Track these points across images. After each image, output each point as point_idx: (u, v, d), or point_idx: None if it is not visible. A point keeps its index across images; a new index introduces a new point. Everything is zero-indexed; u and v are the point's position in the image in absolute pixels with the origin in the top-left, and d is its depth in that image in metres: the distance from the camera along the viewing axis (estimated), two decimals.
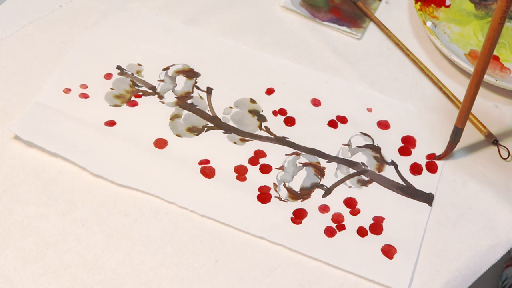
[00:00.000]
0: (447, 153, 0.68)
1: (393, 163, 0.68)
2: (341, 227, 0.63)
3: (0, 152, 0.66)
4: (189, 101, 0.71)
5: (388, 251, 0.62)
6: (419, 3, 0.79)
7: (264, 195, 0.65)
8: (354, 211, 0.64)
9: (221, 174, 0.66)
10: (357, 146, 0.69)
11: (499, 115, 0.73)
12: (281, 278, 0.60)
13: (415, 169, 0.68)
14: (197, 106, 0.71)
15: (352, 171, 0.67)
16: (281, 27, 0.79)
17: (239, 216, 0.63)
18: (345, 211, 0.64)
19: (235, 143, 0.68)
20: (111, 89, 0.71)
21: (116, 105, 0.70)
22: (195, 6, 0.80)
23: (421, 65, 0.76)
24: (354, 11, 0.81)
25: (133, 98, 0.71)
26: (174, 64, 0.74)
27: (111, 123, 0.69)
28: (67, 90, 0.71)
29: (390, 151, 0.69)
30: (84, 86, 0.71)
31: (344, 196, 0.65)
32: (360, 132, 0.70)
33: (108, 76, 0.72)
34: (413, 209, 0.65)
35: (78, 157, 0.65)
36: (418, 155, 0.69)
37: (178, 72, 0.74)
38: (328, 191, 0.66)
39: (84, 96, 0.70)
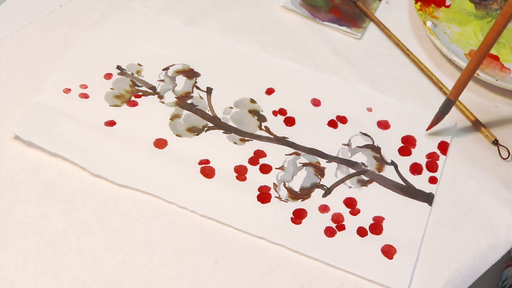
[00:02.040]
0: (434, 124, 0.69)
1: (393, 163, 0.68)
2: (341, 227, 0.63)
3: (0, 152, 0.66)
4: (189, 101, 0.71)
5: (388, 251, 0.62)
6: (419, 3, 0.79)
7: (264, 195, 0.65)
8: (354, 211, 0.64)
9: (221, 174, 0.66)
10: (357, 146, 0.69)
11: (499, 115, 0.73)
12: (281, 278, 0.60)
13: (415, 169, 0.68)
14: (197, 106, 0.71)
15: (352, 171, 0.67)
16: (281, 27, 0.79)
17: (239, 216, 0.63)
18: (345, 211, 0.64)
19: (235, 143, 0.68)
20: (111, 89, 0.71)
21: (116, 105, 0.70)
22: (195, 6, 0.80)
23: (421, 65, 0.76)
24: (354, 11, 0.81)
25: (133, 98, 0.71)
26: (174, 64, 0.74)
27: (111, 123, 0.69)
28: (67, 90, 0.71)
29: (390, 151, 0.69)
30: (84, 86, 0.71)
31: (344, 196, 0.65)
32: (360, 132, 0.70)
33: (108, 76, 0.72)
34: (413, 209, 0.65)
35: (78, 157, 0.65)
36: (418, 155, 0.69)
37: (178, 72, 0.74)
38: (328, 191, 0.66)
39: (84, 96, 0.70)
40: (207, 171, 0.66)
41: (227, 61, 0.75)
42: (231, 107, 0.71)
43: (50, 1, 0.78)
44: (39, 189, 0.64)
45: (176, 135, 0.68)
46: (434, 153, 0.69)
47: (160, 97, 0.71)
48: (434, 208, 0.65)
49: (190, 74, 0.74)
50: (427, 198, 0.66)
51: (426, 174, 0.67)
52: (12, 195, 0.63)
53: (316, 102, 0.72)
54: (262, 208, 0.64)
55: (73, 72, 0.72)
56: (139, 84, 0.72)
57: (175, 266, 0.60)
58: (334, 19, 0.80)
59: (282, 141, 0.69)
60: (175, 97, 0.71)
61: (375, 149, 0.69)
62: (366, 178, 0.67)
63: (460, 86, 0.64)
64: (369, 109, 0.72)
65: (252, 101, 0.72)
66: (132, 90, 0.72)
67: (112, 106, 0.70)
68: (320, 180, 0.66)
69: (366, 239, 0.63)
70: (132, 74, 0.73)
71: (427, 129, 0.70)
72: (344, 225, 0.63)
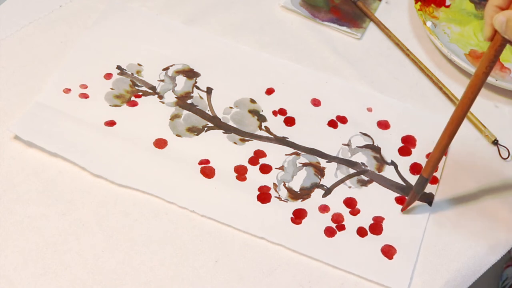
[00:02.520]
0: (410, 204, 0.64)
1: (393, 163, 0.68)
2: (341, 227, 0.63)
3: (0, 152, 0.66)
4: (189, 101, 0.71)
5: (388, 251, 0.62)
6: (419, 3, 0.79)
7: (264, 195, 0.65)
8: (354, 211, 0.64)
9: (221, 174, 0.66)
10: (357, 146, 0.69)
11: (499, 115, 0.73)
12: (281, 278, 0.60)
13: (415, 169, 0.68)
14: (197, 106, 0.71)
15: (352, 171, 0.67)
16: (281, 27, 0.79)
17: (239, 216, 0.63)
18: (345, 211, 0.64)
19: (235, 143, 0.68)
20: (111, 89, 0.71)
21: (116, 105, 0.70)
22: (195, 6, 0.80)
23: (421, 65, 0.76)
24: (354, 11, 0.81)
25: (133, 98, 0.71)
26: (174, 64, 0.74)
27: (111, 123, 0.69)
28: (67, 90, 0.71)
29: (390, 151, 0.69)
30: (84, 86, 0.71)
31: (344, 196, 0.65)
32: (360, 132, 0.70)
33: (108, 76, 0.72)
34: (413, 209, 0.65)
35: (78, 157, 0.65)
36: (418, 155, 0.69)
37: (178, 72, 0.74)
38: (328, 191, 0.66)
39: (84, 96, 0.70)
40: (207, 171, 0.66)
41: (227, 61, 0.75)
42: (231, 107, 0.71)
43: (50, 1, 0.78)
44: (39, 189, 0.64)
45: (176, 135, 0.68)
46: None
47: (160, 97, 0.71)
48: (434, 208, 0.65)
49: (190, 74, 0.74)
50: (427, 198, 0.66)
51: None
52: (12, 195, 0.63)
53: (316, 102, 0.72)
54: (262, 208, 0.64)
55: (73, 72, 0.72)
56: (139, 84, 0.72)
57: (175, 266, 0.60)
58: (334, 19, 0.80)
59: (282, 141, 0.69)
60: (175, 97, 0.71)
61: (375, 149, 0.69)
62: (366, 178, 0.67)
63: (433, 164, 0.60)
64: (369, 109, 0.72)
65: (252, 101, 0.72)
66: (132, 90, 0.72)
67: (112, 106, 0.70)
68: (320, 180, 0.66)
69: (366, 239, 0.62)
70: (132, 74, 0.73)
71: (402, 210, 0.64)
72: (344, 225, 0.63)
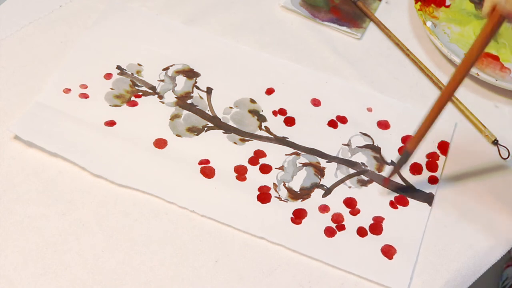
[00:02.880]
0: (393, 175, 0.65)
1: (393, 163, 0.68)
2: (341, 227, 0.63)
3: (0, 152, 0.66)
4: (189, 101, 0.71)
5: (388, 251, 0.62)
6: (419, 3, 0.79)
7: (264, 195, 0.65)
8: (354, 211, 0.64)
9: (221, 174, 0.66)
10: (357, 146, 0.69)
11: (499, 115, 0.73)
12: (281, 278, 0.60)
13: (415, 169, 0.68)
14: (197, 106, 0.71)
15: (352, 171, 0.67)
16: (281, 27, 0.79)
17: (239, 216, 0.63)
18: (345, 211, 0.64)
19: (235, 143, 0.68)
20: (111, 89, 0.71)
21: (116, 105, 0.70)
22: (195, 6, 0.80)
23: (421, 65, 0.76)
24: (354, 11, 0.81)
25: (133, 98, 0.71)
26: (174, 64, 0.74)
27: (111, 123, 0.69)
28: (67, 90, 0.71)
29: (390, 151, 0.69)
30: (84, 86, 0.71)
31: (344, 196, 0.65)
32: (360, 132, 0.70)
33: (108, 76, 0.72)
34: (413, 209, 0.65)
35: (78, 157, 0.65)
36: (418, 155, 0.69)
37: (178, 72, 0.74)
38: (328, 191, 0.66)
39: (84, 96, 0.70)
40: (207, 171, 0.66)
41: (227, 61, 0.75)
42: (231, 107, 0.71)
43: (50, 1, 0.78)
44: (39, 189, 0.64)
45: (176, 135, 0.68)
46: (434, 153, 0.69)
47: (160, 97, 0.71)
48: (434, 208, 0.65)
49: (190, 74, 0.74)
50: (427, 198, 0.66)
51: (426, 174, 0.67)
52: (12, 195, 0.63)
53: (316, 102, 0.72)
54: (262, 208, 0.64)
55: (73, 72, 0.72)
56: (139, 84, 0.72)
57: (175, 266, 0.60)
58: (334, 19, 0.80)
59: (282, 141, 0.69)
60: (175, 97, 0.71)
61: (375, 149, 0.69)
62: (366, 178, 0.67)
63: (418, 139, 0.62)
64: (369, 109, 0.72)
65: (252, 101, 0.72)
66: (132, 90, 0.72)
67: (112, 106, 0.70)
68: (320, 180, 0.66)
69: (366, 239, 0.62)
70: (132, 74, 0.73)
71: (384, 183, 0.66)
72: (344, 225, 0.63)
